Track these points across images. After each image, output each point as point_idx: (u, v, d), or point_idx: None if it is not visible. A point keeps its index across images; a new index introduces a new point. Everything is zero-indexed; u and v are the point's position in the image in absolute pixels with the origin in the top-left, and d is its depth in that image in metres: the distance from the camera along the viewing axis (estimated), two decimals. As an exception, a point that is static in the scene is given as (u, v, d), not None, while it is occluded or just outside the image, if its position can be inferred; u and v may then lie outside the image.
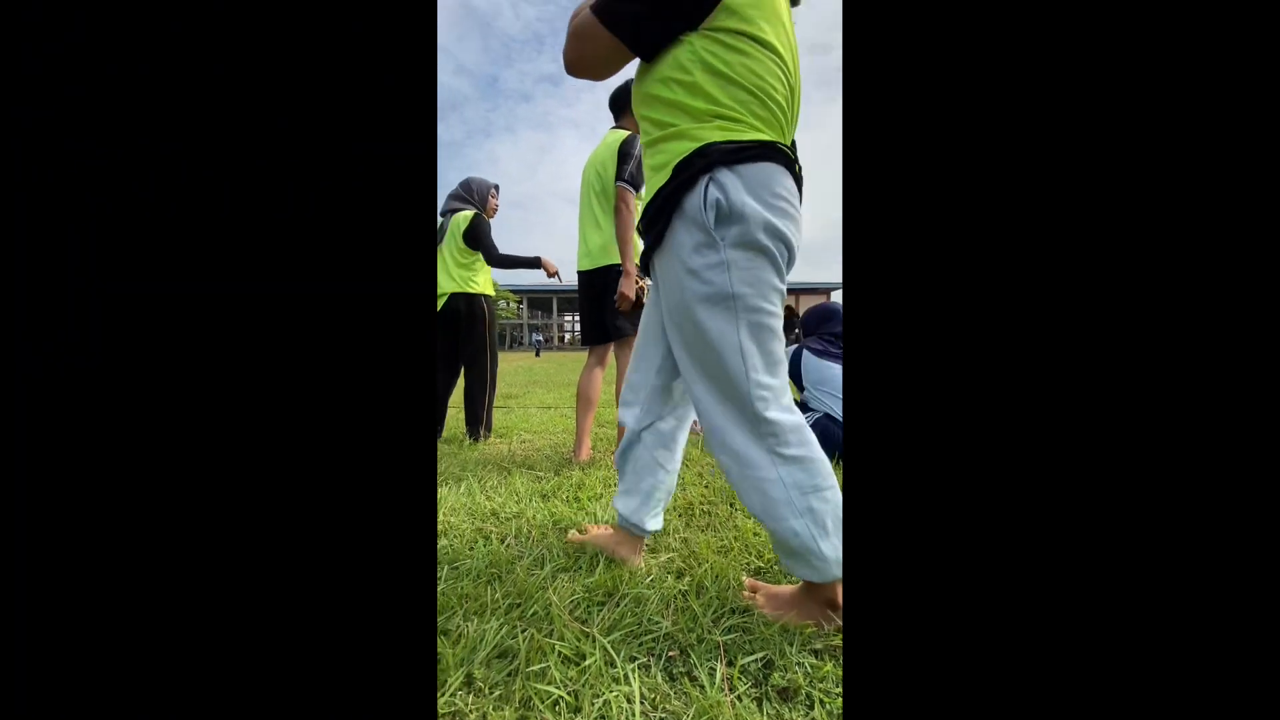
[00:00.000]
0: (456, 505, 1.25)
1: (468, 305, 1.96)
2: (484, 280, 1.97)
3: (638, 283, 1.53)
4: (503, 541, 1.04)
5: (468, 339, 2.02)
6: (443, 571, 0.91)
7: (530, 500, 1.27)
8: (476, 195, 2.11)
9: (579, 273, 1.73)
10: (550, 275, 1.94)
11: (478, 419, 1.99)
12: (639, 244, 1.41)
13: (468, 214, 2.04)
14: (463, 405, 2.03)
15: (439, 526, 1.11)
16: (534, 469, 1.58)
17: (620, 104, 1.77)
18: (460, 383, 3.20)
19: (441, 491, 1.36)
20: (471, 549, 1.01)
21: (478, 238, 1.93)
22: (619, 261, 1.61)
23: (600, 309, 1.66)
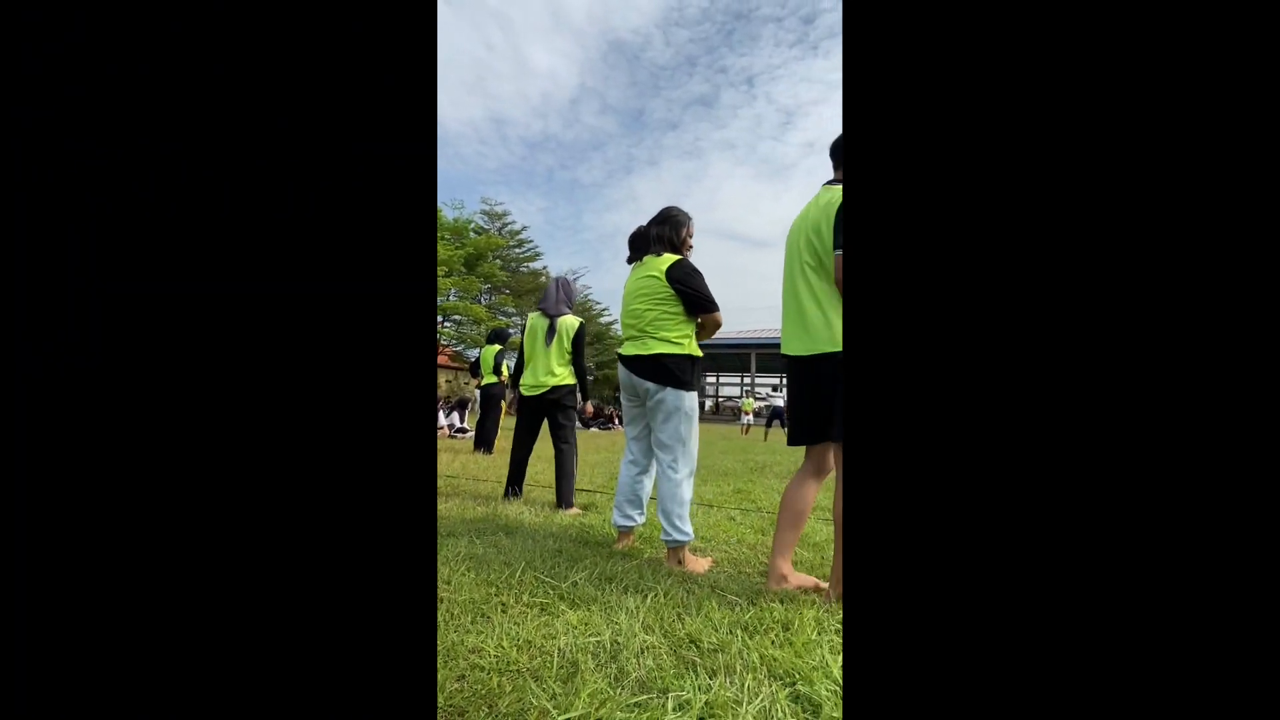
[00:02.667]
0: (650, 622, 1.23)
1: (570, 393, 2.75)
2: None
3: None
4: (712, 676, 1.02)
5: (565, 420, 2.77)
6: (666, 702, 0.91)
7: (731, 631, 1.20)
8: (574, 299, 2.92)
9: (789, 358, 1.57)
10: (588, 416, 2.73)
11: (571, 490, 2.69)
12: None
13: (575, 321, 2.83)
14: (555, 480, 2.72)
15: (637, 644, 1.13)
16: (723, 590, 1.49)
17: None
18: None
19: (628, 600, 1.35)
20: (680, 679, 1.00)
21: (581, 345, 2.78)
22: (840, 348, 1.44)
23: (817, 402, 1.49)
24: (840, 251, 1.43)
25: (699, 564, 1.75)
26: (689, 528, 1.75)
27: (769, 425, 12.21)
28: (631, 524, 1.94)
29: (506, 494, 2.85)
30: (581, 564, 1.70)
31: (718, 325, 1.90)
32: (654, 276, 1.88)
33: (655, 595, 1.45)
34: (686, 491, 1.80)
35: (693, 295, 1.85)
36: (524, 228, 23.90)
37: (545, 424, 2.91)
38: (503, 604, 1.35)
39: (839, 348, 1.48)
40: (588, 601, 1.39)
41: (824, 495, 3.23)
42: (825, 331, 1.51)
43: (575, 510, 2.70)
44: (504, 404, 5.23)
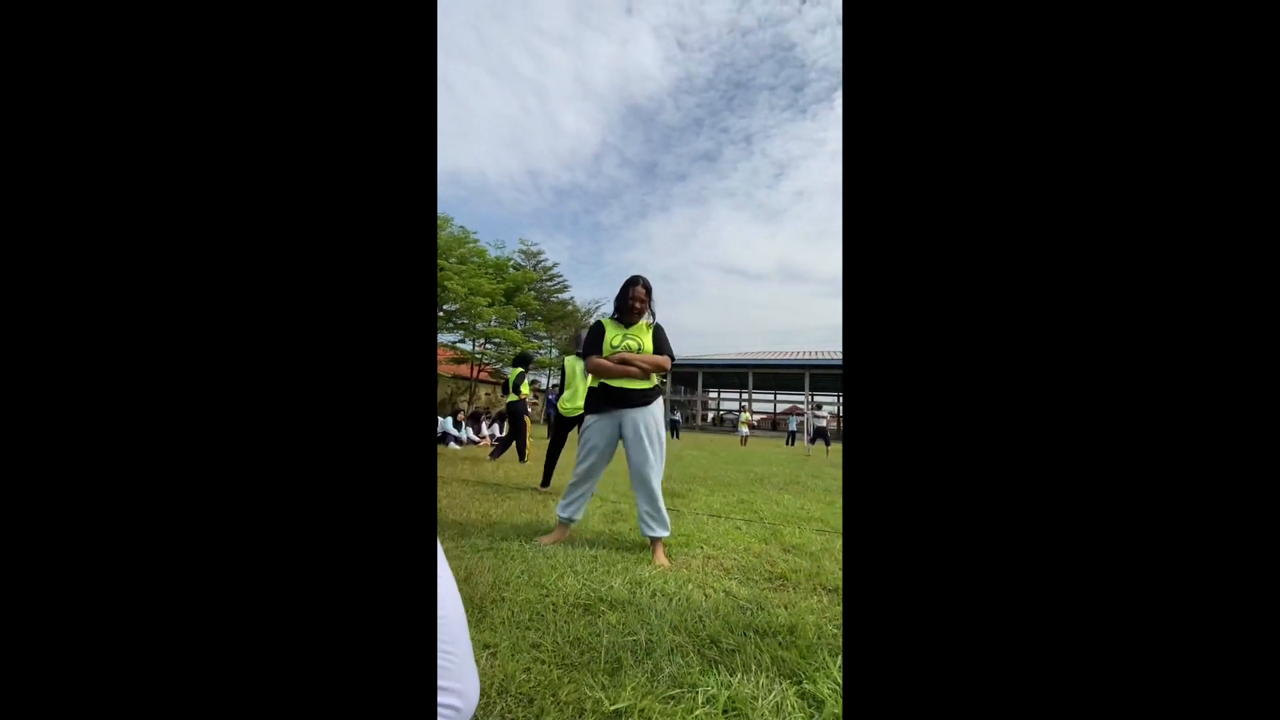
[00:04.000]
0: (677, 623, 1.19)
1: None
2: None
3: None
4: (732, 674, 0.99)
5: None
6: (697, 696, 0.90)
7: (745, 634, 1.17)
8: None
9: None
10: None
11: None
12: None
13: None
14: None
15: (668, 644, 1.10)
16: (735, 595, 1.46)
17: None
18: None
19: (657, 603, 1.32)
20: (706, 676, 0.97)
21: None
22: None
23: None
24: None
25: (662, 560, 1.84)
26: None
27: (812, 442, 11.54)
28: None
29: (544, 485, 3.44)
30: (615, 569, 1.74)
31: (593, 370, 2.00)
32: None
33: (679, 600, 1.48)
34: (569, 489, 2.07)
35: None
36: (555, 264, 24.46)
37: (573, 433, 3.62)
38: (553, 604, 1.40)
39: None
40: (623, 604, 1.43)
41: (821, 508, 3.21)
42: None
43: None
44: (527, 418, 5.42)
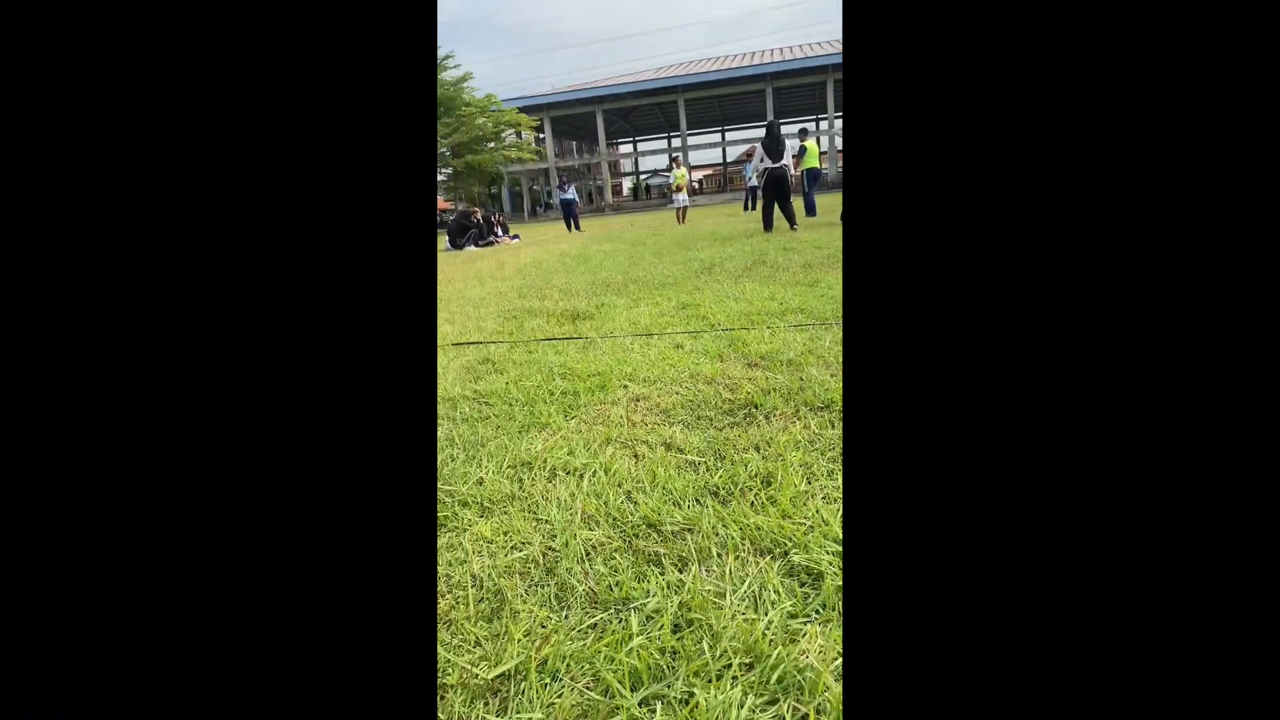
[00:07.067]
0: (593, 513, 0.94)
1: None
2: None
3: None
4: (683, 569, 0.77)
5: None
6: (628, 616, 0.70)
7: (699, 502, 0.93)
8: None
9: None
10: None
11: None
12: None
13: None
14: None
15: (579, 547, 0.85)
16: (678, 449, 1.14)
17: None
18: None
19: (556, 488, 1.02)
20: (642, 581, 0.76)
21: None
22: None
23: None
24: None
25: None
26: None
27: (749, 206, 10.06)
28: None
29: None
30: (487, 449, 1.22)
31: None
32: None
33: (593, 473, 1.13)
34: None
35: None
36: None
37: None
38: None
39: None
40: (501, 503, 1.01)
41: (799, 293, 2.53)
42: None
43: None
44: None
